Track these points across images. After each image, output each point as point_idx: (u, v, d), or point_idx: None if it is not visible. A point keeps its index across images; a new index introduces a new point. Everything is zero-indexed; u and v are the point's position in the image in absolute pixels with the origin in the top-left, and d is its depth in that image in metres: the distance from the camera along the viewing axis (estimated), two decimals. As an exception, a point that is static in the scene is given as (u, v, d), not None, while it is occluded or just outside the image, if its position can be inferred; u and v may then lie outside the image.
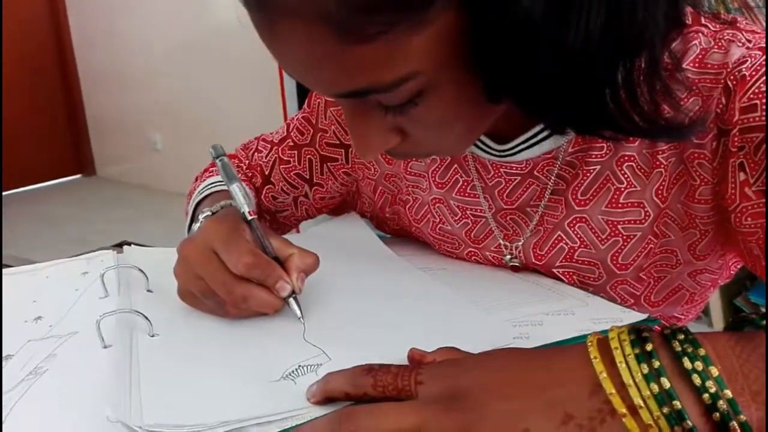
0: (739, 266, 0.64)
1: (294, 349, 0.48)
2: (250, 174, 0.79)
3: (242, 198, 0.56)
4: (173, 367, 0.46)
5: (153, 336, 0.50)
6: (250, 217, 0.55)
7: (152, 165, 4.30)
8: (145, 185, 4.34)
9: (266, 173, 0.78)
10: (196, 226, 0.61)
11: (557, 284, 0.61)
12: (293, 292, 0.52)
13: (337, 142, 0.74)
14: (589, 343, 0.36)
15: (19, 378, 0.46)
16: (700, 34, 0.51)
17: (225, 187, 0.62)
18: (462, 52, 0.41)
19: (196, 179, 0.80)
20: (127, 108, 4.31)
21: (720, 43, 0.51)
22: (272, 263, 0.52)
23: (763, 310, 1.80)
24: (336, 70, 0.41)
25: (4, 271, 0.67)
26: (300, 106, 0.80)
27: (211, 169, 0.79)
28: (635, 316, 0.51)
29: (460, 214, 0.67)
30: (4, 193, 4.22)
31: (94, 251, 0.71)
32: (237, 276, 0.51)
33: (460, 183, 0.66)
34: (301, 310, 0.52)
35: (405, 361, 0.43)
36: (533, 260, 0.63)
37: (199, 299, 0.53)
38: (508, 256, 0.65)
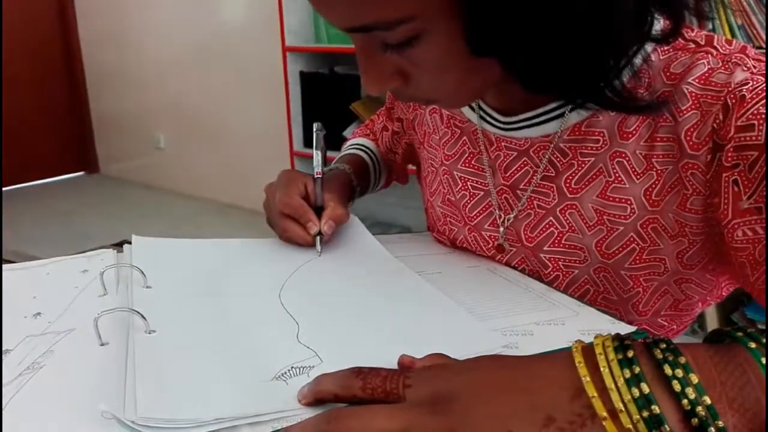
0: (731, 288, 0.65)
1: (287, 350, 0.49)
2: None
3: (318, 162, 0.73)
4: (168, 363, 0.47)
5: (150, 333, 0.51)
6: (316, 176, 0.73)
7: (155, 164, 4.31)
8: (148, 184, 4.36)
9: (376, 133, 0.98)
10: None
11: (549, 291, 0.62)
12: (320, 232, 0.69)
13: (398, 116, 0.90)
14: (574, 349, 0.37)
15: (17, 372, 0.47)
16: (710, 55, 0.54)
17: (358, 152, 0.93)
18: (455, 4, 0.46)
19: (345, 141, 1.02)
20: (131, 107, 4.33)
21: (727, 65, 0.53)
22: (305, 207, 0.70)
23: (759, 326, 1.80)
24: (350, 4, 0.47)
25: (5, 266, 0.67)
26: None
27: (356, 131, 1.02)
28: (624, 328, 0.52)
29: (460, 185, 0.72)
30: (8, 188, 4.24)
31: (95, 249, 0.72)
32: (282, 212, 0.70)
33: (467, 154, 0.71)
34: (321, 245, 0.69)
35: (395, 365, 0.44)
36: (524, 242, 0.66)
37: (269, 220, 0.75)
38: (502, 229, 0.68)
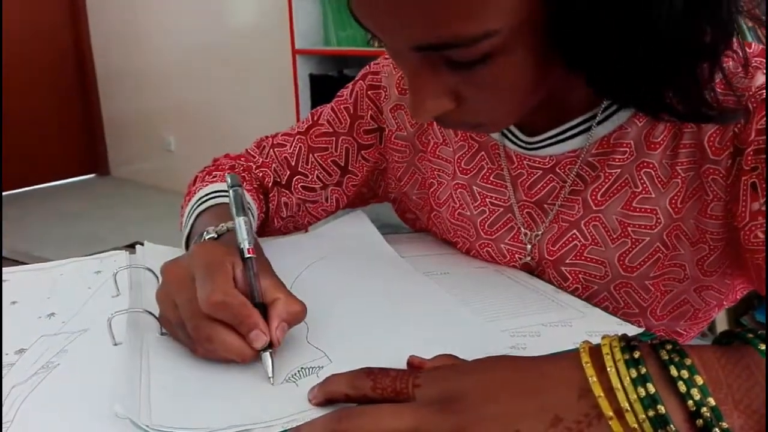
0: (745, 291, 0.65)
1: (297, 350, 0.49)
2: (261, 173, 0.78)
3: (245, 233, 0.53)
4: (180, 365, 0.48)
5: (162, 334, 0.52)
6: (248, 255, 0.51)
7: (165, 166, 4.33)
8: (158, 186, 4.38)
9: (293, 164, 0.79)
10: (194, 241, 0.60)
11: (558, 292, 0.62)
12: (271, 344, 0.47)
13: (374, 126, 0.77)
14: (582, 349, 0.37)
15: (32, 372, 0.48)
16: (730, 59, 0.53)
17: (227, 200, 0.59)
18: (541, 18, 0.44)
19: (195, 180, 0.78)
20: (142, 109, 4.35)
21: (747, 69, 0.53)
22: (247, 306, 0.47)
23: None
24: (425, 19, 0.43)
25: (20, 268, 0.68)
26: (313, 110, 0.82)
27: (214, 173, 0.77)
28: (631, 330, 0.52)
29: (479, 200, 0.69)
30: (19, 190, 4.27)
31: (108, 251, 0.73)
32: (207, 314, 0.47)
33: (485, 170, 0.69)
34: (273, 368, 0.46)
35: (404, 366, 0.45)
36: (546, 255, 0.65)
37: (173, 328, 0.50)
38: (529, 247, 0.66)
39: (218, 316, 0.46)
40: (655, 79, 0.47)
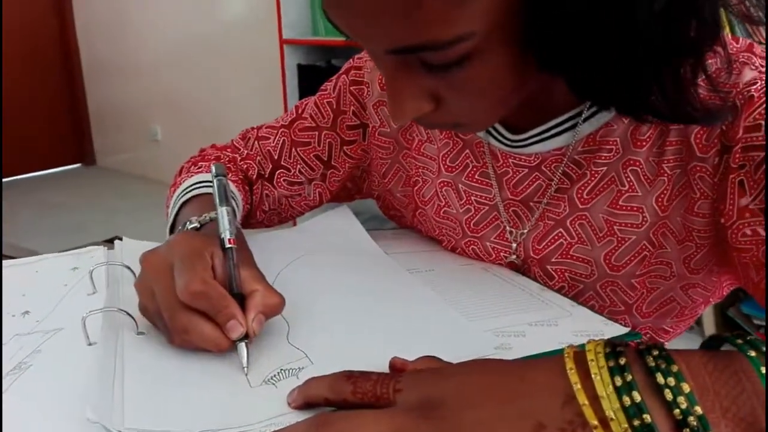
0: (732, 288, 0.64)
1: (277, 351, 0.48)
2: (245, 165, 0.78)
3: (227, 223, 0.53)
4: (156, 366, 0.46)
5: (139, 334, 0.50)
6: (228, 245, 0.51)
7: (152, 156, 4.30)
8: (144, 176, 4.34)
9: (275, 157, 0.78)
10: (177, 231, 0.60)
11: (543, 290, 0.61)
12: (247, 335, 0.46)
13: (357, 122, 0.76)
14: (566, 355, 0.36)
15: (3, 372, 0.46)
16: (717, 55, 0.52)
17: (212, 191, 0.60)
18: (517, 20, 0.43)
19: (181, 171, 0.79)
20: (128, 99, 4.31)
21: (734, 65, 0.52)
22: (225, 297, 0.47)
23: (756, 321, 1.80)
24: (399, 23, 0.42)
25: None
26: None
27: (199, 163, 0.77)
28: (617, 329, 0.52)
29: (465, 198, 0.69)
30: (4, 180, 4.23)
31: (86, 246, 0.71)
32: (184, 303, 0.46)
33: (470, 168, 0.68)
34: (248, 359, 0.46)
35: (386, 367, 0.44)
36: (531, 254, 0.64)
37: (152, 317, 0.49)
38: (514, 245, 0.65)
39: (196, 305, 0.46)
40: (634, 81, 0.45)
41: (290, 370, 0.46)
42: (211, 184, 0.62)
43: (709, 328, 1.94)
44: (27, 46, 4.32)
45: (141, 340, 0.50)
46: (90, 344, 0.50)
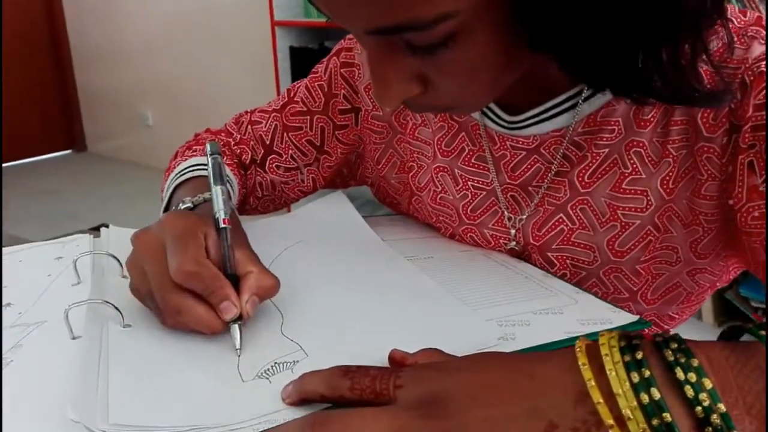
0: (739, 271, 0.62)
1: (270, 343, 0.46)
2: (239, 150, 0.77)
3: (222, 203, 0.51)
4: (143, 360, 0.44)
5: (125, 327, 0.48)
6: (222, 225, 0.50)
7: (143, 141, 4.26)
8: (136, 162, 4.30)
9: (267, 143, 0.76)
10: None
11: (547, 277, 0.59)
12: (240, 317, 0.46)
13: (349, 106, 0.74)
14: (578, 349, 0.34)
15: (-17, 369, 0.44)
16: (724, 29, 0.50)
17: (206, 173, 0.58)
18: None
19: (177, 155, 0.77)
20: (118, 84, 4.26)
21: (742, 39, 0.49)
22: (219, 278, 0.46)
23: (753, 304, 1.79)
24: (379, 2, 0.39)
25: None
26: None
27: (194, 147, 0.76)
28: (625, 317, 0.50)
29: (461, 184, 0.66)
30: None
31: (72, 234, 0.69)
32: (177, 283, 0.45)
33: (466, 152, 0.65)
34: (241, 341, 0.45)
35: (386, 360, 0.41)
36: (531, 240, 0.62)
37: (143, 297, 0.48)
38: (513, 231, 0.63)
39: (189, 285, 0.45)
40: (630, 59, 0.42)
41: (284, 364, 0.43)
42: (206, 166, 0.59)
43: (707, 311, 1.93)
44: (15, 32, 4.26)
45: (127, 333, 0.47)
46: (74, 338, 0.47)
